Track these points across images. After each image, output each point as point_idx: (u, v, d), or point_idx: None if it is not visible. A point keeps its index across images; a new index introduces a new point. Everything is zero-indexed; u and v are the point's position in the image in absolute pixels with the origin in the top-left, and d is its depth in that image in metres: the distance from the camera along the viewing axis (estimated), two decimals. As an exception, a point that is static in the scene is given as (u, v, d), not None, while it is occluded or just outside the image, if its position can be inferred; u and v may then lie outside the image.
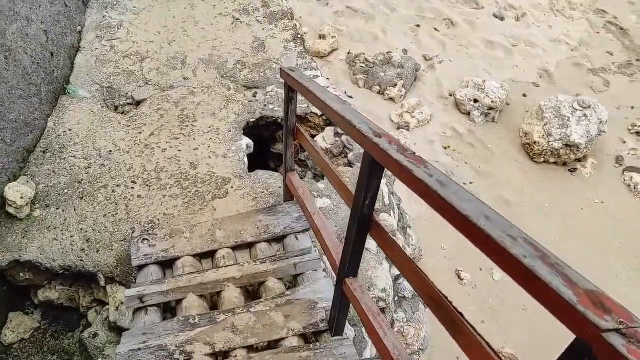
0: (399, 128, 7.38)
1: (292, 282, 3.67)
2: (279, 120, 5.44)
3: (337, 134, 5.21)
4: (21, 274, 4.11)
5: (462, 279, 5.96)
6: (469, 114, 7.81)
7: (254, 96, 5.62)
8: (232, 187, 4.49)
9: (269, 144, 5.97)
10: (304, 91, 2.96)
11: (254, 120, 5.28)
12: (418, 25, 9.00)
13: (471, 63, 8.59)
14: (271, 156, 6.12)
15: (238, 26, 6.76)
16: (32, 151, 4.82)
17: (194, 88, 5.65)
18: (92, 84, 5.68)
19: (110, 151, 4.82)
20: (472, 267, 6.10)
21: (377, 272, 4.16)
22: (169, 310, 3.63)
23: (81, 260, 3.95)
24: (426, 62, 8.54)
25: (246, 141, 5.04)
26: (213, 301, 3.59)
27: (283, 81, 5.89)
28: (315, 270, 3.55)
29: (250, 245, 3.94)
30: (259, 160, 5.67)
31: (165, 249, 3.81)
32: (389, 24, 8.89)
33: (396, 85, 7.83)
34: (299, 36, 6.66)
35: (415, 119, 7.51)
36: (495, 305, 5.87)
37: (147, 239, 3.87)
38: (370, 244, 4.32)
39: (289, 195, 4.06)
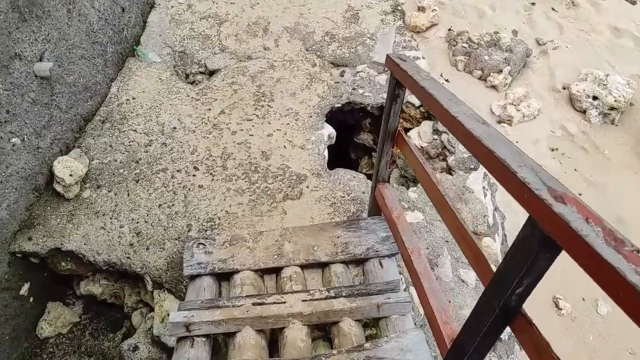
0: (499, 122, 6.39)
1: (372, 323, 2.95)
2: (369, 108, 4.65)
3: (436, 131, 4.37)
4: (63, 263, 3.63)
5: (561, 309, 5.05)
6: (584, 112, 6.67)
7: (341, 75, 4.85)
8: (307, 187, 3.79)
9: (352, 132, 5.21)
10: (422, 94, 2.16)
11: (339, 105, 4.53)
12: (533, 3, 7.82)
13: (592, 52, 7.36)
14: (352, 145, 5.37)
15: (330, -9, 5.95)
16: (90, 120, 4.31)
17: (275, 61, 4.94)
18: (163, 47, 5.09)
19: (175, 128, 4.23)
20: (574, 296, 5.17)
21: (473, 313, 3.37)
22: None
23: (128, 258, 3.41)
24: (538, 47, 7.40)
25: (328, 130, 4.30)
26: (272, 331, 2.94)
27: (376, 60, 5.10)
28: (403, 315, 2.81)
29: (323, 266, 3.25)
30: (338, 149, 4.92)
31: (224, 258, 3.19)
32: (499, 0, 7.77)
33: (502, 71, 6.78)
34: (399, 8, 5.77)
35: (520, 113, 6.48)
36: (597, 344, 4.94)
37: (203, 244, 3.25)
38: (469, 274, 3.53)
39: (376, 209, 3.32)
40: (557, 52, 7.43)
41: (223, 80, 4.70)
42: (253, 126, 4.25)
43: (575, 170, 6.36)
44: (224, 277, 3.22)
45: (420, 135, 4.44)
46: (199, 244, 3.26)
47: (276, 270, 3.23)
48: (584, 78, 6.90)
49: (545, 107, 6.81)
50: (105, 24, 4.53)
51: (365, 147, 5.10)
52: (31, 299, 3.67)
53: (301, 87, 4.65)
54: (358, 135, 5.08)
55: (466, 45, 7.09)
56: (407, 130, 4.65)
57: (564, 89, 7.03)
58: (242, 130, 4.21)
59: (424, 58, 5.93)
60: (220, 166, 3.91)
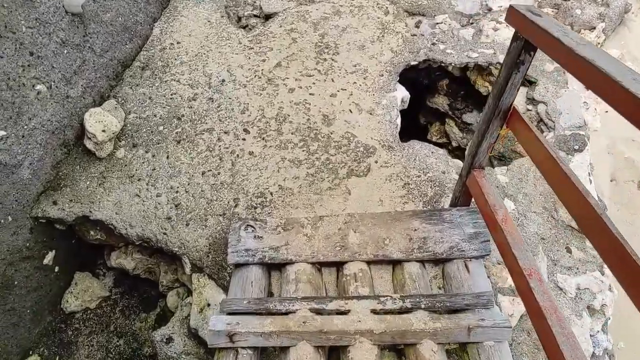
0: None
1: (459, 350, 2.38)
2: (449, 68, 3.94)
3: (531, 100, 3.65)
4: (92, 232, 3.18)
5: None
6: (689, 82, 5.75)
7: (417, 26, 4.12)
8: (376, 162, 3.18)
9: (424, 94, 4.51)
10: (581, 69, 1.49)
11: (415, 63, 3.83)
12: (637, -50, 6.73)
13: None
14: (423, 109, 4.69)
15: None
16: (128, 66, 3.76)
17: (341, 6, 4.24)
18: (214, -17, 4.44)
19: (223, 81, 3.64)
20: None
21: (573, 328, 2.78)
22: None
23: (164, 234, 2.92)
24: (638, 2, 6.40)
25: (402, 93, 3.63)
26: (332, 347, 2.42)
27: (460, 10, 4.34)
28: (500, 342, 2.23)
29: (394, 263, 2.68)
30: (405, 111, 4.23)
31: (276, 246, 2.66)
32: (598, -55, 6.70)
33: (594, 28, 5.86)
34: (488, -51, 4.90)
35: (612, 80, 5.61)
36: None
37: (252, 227, 2.73)
38: (568, 281, 2.91)
39: (465, 199, 2.69)
40: (662, 9, 6.41)
41: (281, 26, 4.05)
42: (314, 83, 3.62)
43: (675, 151, 5.52)
44: (275, 266, 2.71)
45: (510, 105, 3.72)
46: (248, 226, 2.73)
47: (337, 264, 2.69)
48: (693, 42, 5.91)
49: (643, 74, 5.89)
50: (149, -46, 3.91)
51: (438, 111, 4.42)
52: (56, 269, 3.26)
53: (371, 39, 3.95)
54: (432, 98, 4.38)
55: (556, -3, 6.15)
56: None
57: (667, 53, 6.08)
58: (300, 87, 3.59)
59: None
60: (275, 130, 3.33)
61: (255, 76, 3.66)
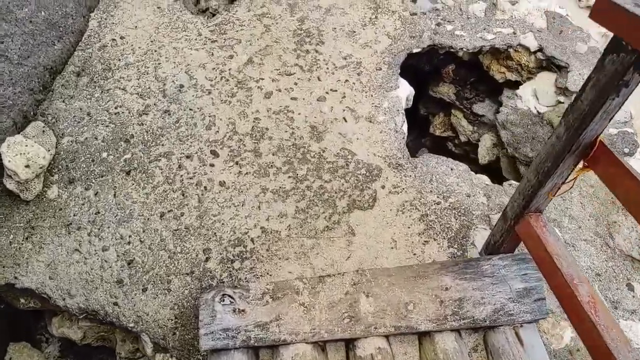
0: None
1: None
2: (460, 53, 3.23)
3: (562, 90, 2.97)
4: (22, 300, 2.46)
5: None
6: None
7: (414, 1, 3.39)
8: (383, 187, 2.49)
9: (427, 81, 3.80)
10: None
11: (418, 50, 3.11)
12: None
13: None
14: (423, 97, 3.99)
15: None
16: (59, 72, 2.97)
17: (322, -20, 3.47)
18: (163, -42, 3.61)
19: (182, 86, 2.88)
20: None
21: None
22: None
23: (115, 304, 2.22)
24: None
25: (406, 90, 2.93)
26: None
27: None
28: None
29: (422, 334, 2.04)
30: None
31: (264, 322, 1.99)
32: None
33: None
34: None
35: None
36: None
37: (231, 297, 2.05)
38: (634, 329, 2.32)
39: (511, 243, 2.04)
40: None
41: (249, 10, 3.27)
42: (296, 84, 2.89)
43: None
44: (265, 347, 2.04)
45: (536, 95, 3.04)
46: (224, 295, 2.05)
47: (348, 342, 2.04)
48: None
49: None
50: None
51: (442, 101, 3.72)
52: (-17, 345, 2.55)
53: (362, 22, 3.21)
54: (435, 87, 3.68)
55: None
56: (513, 84, 3.25)
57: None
58: (279, 90, 2.85)
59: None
60: (251, 150, 2.61)
61: (221, 78, 2.90)
